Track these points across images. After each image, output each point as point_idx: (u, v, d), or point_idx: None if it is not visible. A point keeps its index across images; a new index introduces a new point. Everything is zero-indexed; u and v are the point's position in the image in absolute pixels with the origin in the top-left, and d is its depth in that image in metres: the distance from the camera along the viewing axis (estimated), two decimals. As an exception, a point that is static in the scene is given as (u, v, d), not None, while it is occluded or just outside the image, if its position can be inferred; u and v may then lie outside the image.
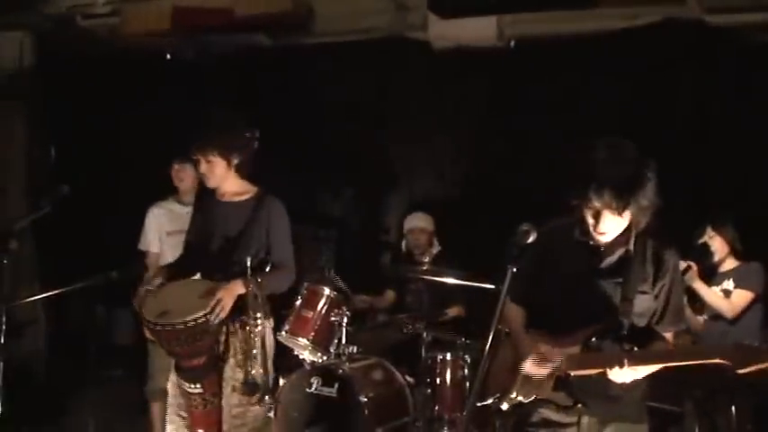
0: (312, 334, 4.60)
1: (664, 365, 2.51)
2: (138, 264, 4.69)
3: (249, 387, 3.32)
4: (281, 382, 4.72)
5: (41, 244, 6.23)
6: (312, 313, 4.62)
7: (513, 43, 5.44)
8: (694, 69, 4.98)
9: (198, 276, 3.49)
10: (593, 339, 2.63)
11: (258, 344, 3.34)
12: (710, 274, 4.30)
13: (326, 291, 4.67)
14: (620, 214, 2.54)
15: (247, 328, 3.34)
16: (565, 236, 2.79)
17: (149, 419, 4.63)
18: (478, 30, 5.39)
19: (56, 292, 5.12)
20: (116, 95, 6.46)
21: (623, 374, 2.49)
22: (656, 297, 2.64)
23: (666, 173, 4.93)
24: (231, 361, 3.41)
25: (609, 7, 4.90)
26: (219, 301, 3.21)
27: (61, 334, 6.49)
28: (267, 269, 3.47)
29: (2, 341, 4.09)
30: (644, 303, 2.64)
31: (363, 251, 6.11)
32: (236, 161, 3.44)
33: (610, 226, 2.59)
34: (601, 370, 2.53)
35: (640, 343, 2.61)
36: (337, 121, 5.84)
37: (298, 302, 4.73)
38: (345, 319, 4.59)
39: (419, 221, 5.35)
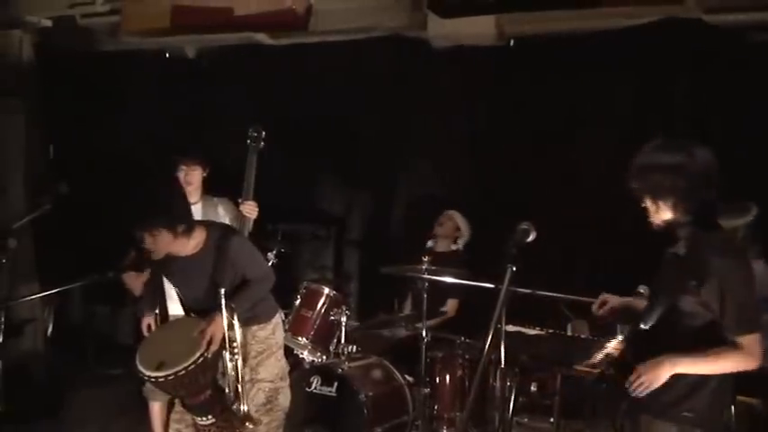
0: (311, 333, 4.61)
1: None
2: (135, 262, 4.67)
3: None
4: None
5: (40, 242, 6.22)
6: (311, 313, 4.64)
7: (512, 42, 5.44)
8: (693, 68, 4.98)
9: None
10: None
11: (236, 372, 3.42)
12: None
13: (326, 290, 4.68)
14: (650, 200, 2.62)
15: (225, 354, 3.41)
16: None
17: (149, 418, 4.62)
18: (478, 29, 5.39)
19: (54, 290, 5.12)
20: (115, 94, 6.46)
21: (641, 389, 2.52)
22: (704, 301, 2.51)
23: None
24: (249, 364, 3.55)
25: (608, 6, 4.89)
26: (211, 337, 3.29)
27: (61, 333, 6.49)
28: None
29: (1, 340, 4.09)
30: (689, 305, 2.54)
31: (362, 250, 6.11)
32: (181, 229, 3.37)
33: (651, 209, 2.64)
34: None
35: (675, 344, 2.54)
36: (336, 119, 5.84)
37: (297, 302, 4.74)
38: (344, 318, 4.60)
39: (453, 211, 5.37)
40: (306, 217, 6.07)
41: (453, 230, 5.33)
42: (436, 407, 4.46)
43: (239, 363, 3.40)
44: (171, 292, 4.39)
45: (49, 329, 6.45)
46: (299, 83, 5.92)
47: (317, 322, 4.60)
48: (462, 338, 4.61)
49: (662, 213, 2.64)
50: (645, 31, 4.92)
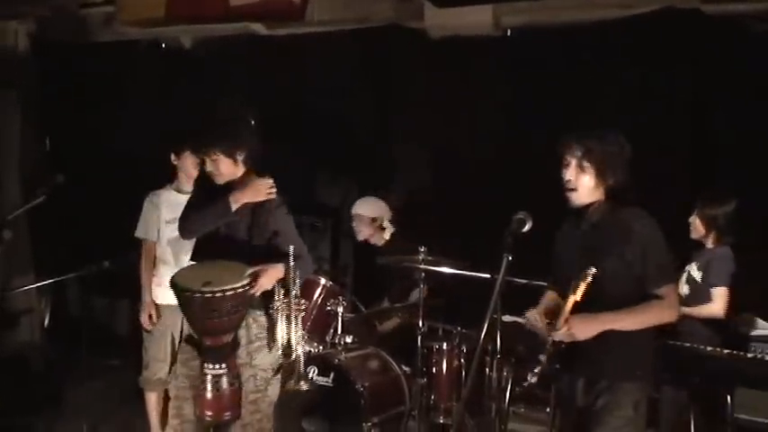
0: (308, 324, 4.60)
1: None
2: (131, 253, 4.67)
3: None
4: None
5: (36, 233, 6.21)
6: (308, 303, 4.62)
7: (509, 32, 5.42)
8: (692, 58, 4.96)
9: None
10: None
11: (283, 325, 3.40)
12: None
13: (322, 280, 4.67)
14: (580, 165, 2.90)
15: (285, 312, 3.40)
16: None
17: (145, 408, 4.63)
18: (475, 19, 5.37)
19: (50, 281, 5.11)
20: (111, 84, 6.44)
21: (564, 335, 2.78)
22: (630, 264, 2.82)
23: (665, 161, 4.95)
24: (247, 348, 3.47)
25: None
26: (261, 278, 3.28)
27: (58, 324, 6.49)
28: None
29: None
30: (613, 266, 2.83)
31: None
32: (241, 157, 3.42)
33: (573, 175, 2.92)
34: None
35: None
36: (334, 110, 5.82)
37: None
38: (341, 309, 4.59)
39: (356, 208, 5.26)
40: (302, 208, 6.06)
41: (370, 225, 5.21)
42: (433, 397, 4.46)
43: (283, 318, 3.38)
44: (166, 257, 4.38)
45: (46, 320, 6.46)
46: (295, 73, 5.90)
47: (314, 313, 4.59)
48: (459, 329, 4.60)
49: (584, 186, 2.92)
50: (643, 21, 4.91)
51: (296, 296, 3.39)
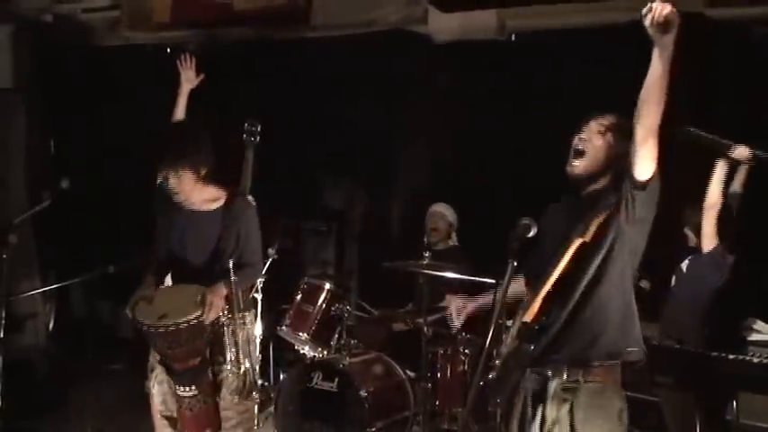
0: (313, 329, 4.60)
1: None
2: (135, 257, 4.67)
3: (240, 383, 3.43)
4: (282, 376, 4.73)
5: (41, 238, 6.22)
6: (312, 308, 4.63)
7: (513, 36, 5.42)
8: (695, 62, 4.96)
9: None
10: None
11: (244, 339, 3.43)
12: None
13: (327, 285, 4.67)
14: (600, 130, 2.73)
15: (231, 327, 3.42)
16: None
17: (150, 413, 4.62)
18: (479, 23, 5.38)
19: (55, 285, 5.12)
20: (116, 89, 6.45)
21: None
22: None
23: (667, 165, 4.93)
24: (224, 359, 3.47)
25: (609, 0, 4.88)
26: (211, 302, 3.30)
27: (63, 328, 6.50)
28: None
29: (2, 335, 4.09)
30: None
31: (364, 245, 6.10)
32: (204, 171, 3.42)
33: (587, 135, 2.76)
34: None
35: None
36: (338, 115, 5.82)
37: (298, 297, 4.73)
38: (346, 314, 4.59)
39: (440, 207, 5.35)
40: (307, 212, 6.07)
41: (447, 227, 5.31)
42: (437, 402, 4.45)
43: (239, 334, 3.40)
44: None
45: (51, 324, 6.47)
46: (299, 77, 5.91)
47: (318, 317, 4.60)
48: (464, 333, 4.60)
49: (595, 150, 2.73)
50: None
51: (240, 309, 3.42)
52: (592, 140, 2.76)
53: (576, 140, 2.79)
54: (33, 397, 5.26)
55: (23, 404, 4.93)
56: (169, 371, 3.42)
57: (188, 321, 3.22)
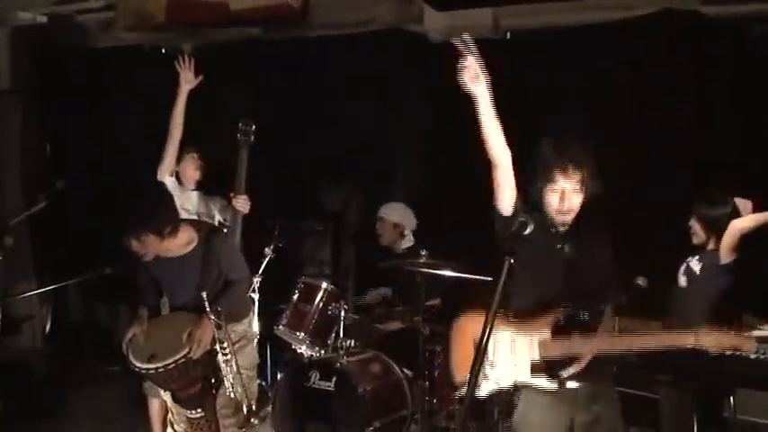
0: (310, 328, 4.60)
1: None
2: (132, 259, 4.67)
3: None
4: (279, 375, 4.72)
5: (38, 239, 6.21)
6: (309, 307, 4.63)
7: (508, 35, 5.41)
8: (691, 60, 4.96)
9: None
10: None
11: (233, 368, 3.48)
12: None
13: (324, 284, 4.67)
14: (577, 189, 2.96)
15: (218, 356, 3.47)
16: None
17: (147, 415, 4.62)
18: (475, 21, 5.37)
19: (51, 287, 5.11)
20: (112, 89, 6.44)
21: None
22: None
23: (665, 162, 4.94)
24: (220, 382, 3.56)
25: (605, -2, 4.89)
26: (199, 339, 3.38)
27: (60, 330, 6.49)
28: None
29: (-2, 337, 4.10)
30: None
31: (360, 245, 6.09)
32: (167, 230, 3.43)
33: (571, 201, 2.98)
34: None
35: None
36: (335, 114, 5.82)
37: (295, 297, 4.73)
38: (343, 313, 4.59)
39: (383, 210, 5.29)
40: (303, 212, 6.06)
41: (392, 230, 5.25)
42: (435, 400, 4.45)
43: (233, 361, 3.47)
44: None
45: (48, 326, 6.45)
46: (295, 77, 5.90)
47: (315, 317, 4.60)
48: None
49: (578, 207, 3.01)
50: (642, 23, 4.90)
51: (227, 337, 3.46)
52: (575, 203, 3.01)
53: (557, 202, 3.06)
54: (30, 399, 5.26)
55: (21, 406, 4.93)
56: (174, 398, 3.55)
57: (175, 362, 3.32)
